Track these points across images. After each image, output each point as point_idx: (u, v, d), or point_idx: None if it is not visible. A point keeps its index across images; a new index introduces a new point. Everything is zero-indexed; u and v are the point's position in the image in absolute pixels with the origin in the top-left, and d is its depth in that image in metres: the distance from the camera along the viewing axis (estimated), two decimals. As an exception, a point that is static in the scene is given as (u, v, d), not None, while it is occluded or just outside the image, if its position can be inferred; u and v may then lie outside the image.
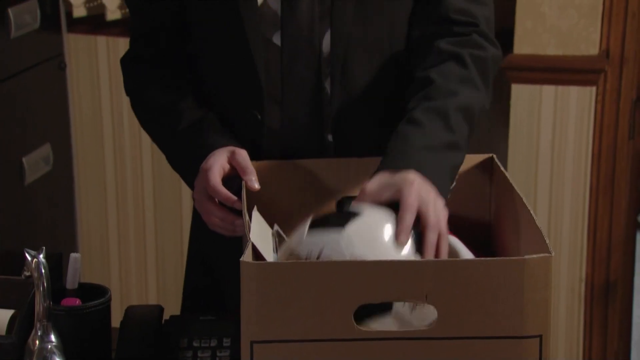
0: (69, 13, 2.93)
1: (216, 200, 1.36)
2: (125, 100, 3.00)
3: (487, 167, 1.44)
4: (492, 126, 2.57)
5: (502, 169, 1.39)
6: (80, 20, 2.96)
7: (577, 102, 2.47)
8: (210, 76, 1.49)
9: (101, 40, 2.94)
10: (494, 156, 1.43)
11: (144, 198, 2.95)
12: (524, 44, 2.47)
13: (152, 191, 2.94)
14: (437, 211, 1.20)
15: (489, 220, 1.43)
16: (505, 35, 2.52)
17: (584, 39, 2.45)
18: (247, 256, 1.08)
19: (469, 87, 1.39)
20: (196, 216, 1.59)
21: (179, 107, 1.47)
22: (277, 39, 1.42)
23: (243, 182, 1.34)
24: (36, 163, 2.74)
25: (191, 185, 1.43)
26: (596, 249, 2.53)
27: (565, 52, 2.46)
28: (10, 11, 2.57)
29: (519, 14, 2.47)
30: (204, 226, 1.41)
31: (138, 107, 1.57)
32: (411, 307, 1.11)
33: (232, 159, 1.37)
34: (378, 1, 1.42)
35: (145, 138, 2.95)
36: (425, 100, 1.35)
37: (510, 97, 2.49)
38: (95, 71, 2.96)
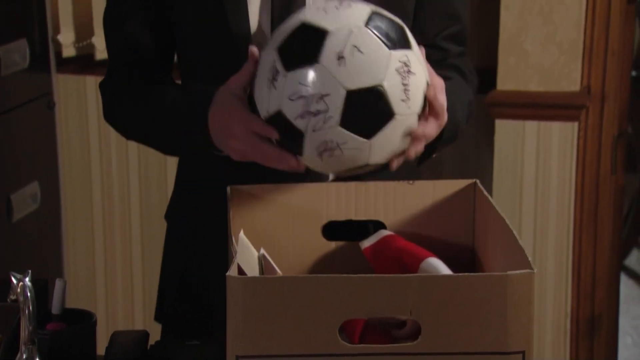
0: (58, 53, 2.96)
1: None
2: (114, 140, 3.05)
3: (470, 192, 1.45)
4: (477, 161, 2.59)
5: (486, 193, 1.40)
6: (70, 60, 2.98)
7: (560, 137, 2.50)
8: None
9: (90, 80, 2.97)
10: (477, 181, 1.44)
11: (131, 230, 2.95)
12: (507, 80, 2.51)
13: (140, 224, 2.94)
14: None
15: (472, 244, 1.44)
16: (488, 71, 2.56)
17: (565, 75, 2.49)
18: (232, 271, 1.08)
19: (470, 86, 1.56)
20: (170, 235, 1.60)
21: (161, 87, 1.47)
22: None
23: (228, 192, 1.35)
24: (24, 200, 2.75)
25: (197, 147, 1.39)
26: (581, 283, 2.55)
27: (548, 89, 2.50)
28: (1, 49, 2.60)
29: (502, 50, 2.51)
30: (180, 246, 1.40)
31: (119, 117, 1.54)
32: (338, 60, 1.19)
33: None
34: None
35: (134, 175, 2.96)
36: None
37: (495, 132, 2.52)
38: (84, 110, 2.98)
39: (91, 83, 2.97)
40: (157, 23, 1.50)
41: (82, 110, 2.98)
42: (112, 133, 2.82)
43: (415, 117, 1.29)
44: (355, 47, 1.24)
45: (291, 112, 1.25)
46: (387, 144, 1.28)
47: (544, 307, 2.56)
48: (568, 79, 2.49)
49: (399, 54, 1.26)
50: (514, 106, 2.50)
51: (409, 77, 1.26)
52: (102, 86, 1.57)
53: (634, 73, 3.95)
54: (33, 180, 2.81)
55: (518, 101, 2.49)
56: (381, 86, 1.24)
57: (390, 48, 1.25)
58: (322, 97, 1.23)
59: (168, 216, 1.64)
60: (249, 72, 1.31)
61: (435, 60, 1.49)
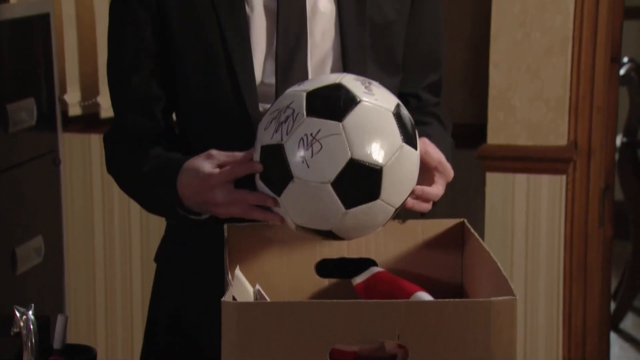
0: (64, 112, 3.01)
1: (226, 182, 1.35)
2: (117, 196, 3.09)
3: (458, 231, 1.48)
4: (469, 212, 2.63)
5: (473, 231, 1.43)
6: (75, 118, 3.04)
7: (549, 190, 2.55)
8: (205, 146, 1.47)
9: (94, 138, 3.03)
10: (465, 220, 1.48)
11: (131, 276, 2.98)
12: (497, 135, 2.56)
13: (140, 267, 2.97)
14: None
15: (460, 281, 1.47)
16: (479, 126, 2.62)
17: (552, 130, 2.55)
18: (228, 297, 1.11)
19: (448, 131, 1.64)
20: (160, 276, 1.63)
21: (148, 150, 1.50)
22: None
23: (225, 230, 1.38)
24: (28, 254, 2.77)
25: (171, 212, 1.43)
26: (571, 333, 2.56)
27: (536, 143, 2.55)
28: (8, 107, 2.62)
29: (491, 106, 2.58)
30: (171, 283, 1.42)
31: (115, 171, 1.57)
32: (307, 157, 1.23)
33: (212, 158, 1.37)
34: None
35: (135, 232, 3.00)
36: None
37: (486, 185, 2.57)
38: (88, 168, 3.03)
39: (95, 141, 3.03)
40: (160, 73, 1.53)
41: (86, 168, 3.03)
42: (115, 189, 2.87)
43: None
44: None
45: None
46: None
47: (536, 356, 2.57)
48: (555, 133, 2.54)
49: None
50: (504, 159, 2.55)
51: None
52: (105, 138, 1.60)
53: (624, 139, 4.01)
54: (37, 234, 2.84)
55: (508, 155, 2.54)
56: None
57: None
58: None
59: (158, 258, 1.66)
60: (227, 158, 1.36)
61: (415, 107, 1.59)
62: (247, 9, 1.48)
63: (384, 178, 1.27)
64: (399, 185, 1.31)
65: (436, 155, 1.43)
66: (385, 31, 1.54)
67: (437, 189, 1.43)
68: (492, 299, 1.11)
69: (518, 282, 2.57)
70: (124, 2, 1.52)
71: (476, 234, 1.41)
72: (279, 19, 1.48)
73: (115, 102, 1.58)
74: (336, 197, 1.25)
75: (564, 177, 2.54)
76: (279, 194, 1.28)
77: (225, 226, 1.39)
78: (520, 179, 2.56)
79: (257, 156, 1.32)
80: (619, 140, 3.84)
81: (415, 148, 1.33)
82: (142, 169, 1.48)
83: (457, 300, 1.14)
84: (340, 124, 1.26)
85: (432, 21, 1.61)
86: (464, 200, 2.56)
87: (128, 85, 1.53)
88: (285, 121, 1.28)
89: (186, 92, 1.53)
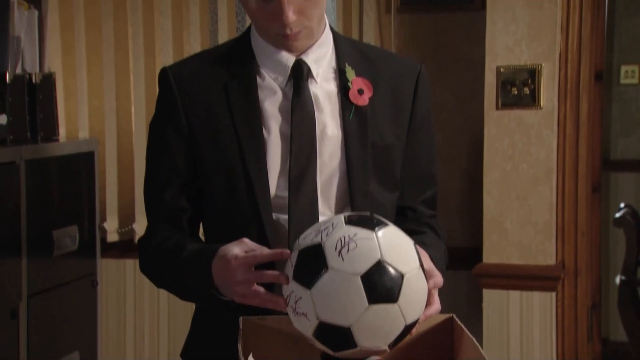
0: (103, 238, 3.13)
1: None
2: (147, 319, 3.17)
3: (448, 326, 1.56)
4: (467, 326, 2.68)
5: (462, 326, 1.51)
6: (113, 245, 3.16)
7: (540, 305, 2.61)
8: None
9: (129, 263, 3.14)
10: (454, 315, 1.56)
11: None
12: (492, 255, 2.65)
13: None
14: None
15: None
16: (475, 248, 2.71)
17: (541, 251, 2.63)
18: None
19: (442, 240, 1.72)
20: None
21: (182, 246, 1.60)
22: (284, 221, 1.60)
23: (240, 322, 1.47)
24: (66, 367, 2.82)
25: (205, 294, 1.52)
26: None
27: (527, 262, 2.63)
28: (54, 234, 2.73)
29: (486, 229, 2.67)
30: None
31: (151, 269, 1.66)
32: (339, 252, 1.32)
33: (242, 245, 1.48)
34: (372, 193, 1.62)
35: (163, 347, 3.07)
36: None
37: (482, 300, 2.63)
38: (122, 289, 3.13)
39: (130, 266, 3.14)
40: (189, 188, 1.65)
41: (120, 289, 3.13)
42: (146, 307, 2.97)
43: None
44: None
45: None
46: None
47: None
48: (544, 254, 2.62)
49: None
50: (498, 277, 2.62)
51: None
52: (140, 242, 1.71)
53: (623, 278, 4.05)
54: (74, 350, 2.88)
55: (502, 273, 2.61)
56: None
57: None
58: None
59: (184, 353, 1.73)
60: (256, 247, 1.48)
61: (412, 218, 1.69)
62: (265, 133, 1.60)
63: (404, 285, 1.37)
64: (414, 297, 1.40)
65: (427, 264, 1.50)
66: (385, 153, 1.65)
67: (435, 307, 1.51)
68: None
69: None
70: (161, 129, 1.65)
71: (465, 329, 1.49)
72: (292, 142, 1.60)
73: (150, 213, 1.70)
74: (362, 290, 1.34)
75: (553, 294, 2.61)
76: (310, 286, 1.36)
77: (241, 319, 1.48)
78: (514, 295, 2.62)
79: (293, 260, 1.41)
80: (617, 279, 3.87)
81: (426, 279, 1.44)
82: (181, 256, 1.58)
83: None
84: (374, 232, 1.39)
85: (427, 145, 1.72)
86: (463, 315, 2.62)
87: (161, 199, 1.66)
88: (324, 230, 1.41)
89: (210, 204, 1.65)
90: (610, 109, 4.85)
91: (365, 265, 1.35)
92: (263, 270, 1.45)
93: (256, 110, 1.60)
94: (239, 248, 1.49)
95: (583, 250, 2.65)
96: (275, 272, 1.43)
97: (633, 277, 4.08)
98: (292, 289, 1.38)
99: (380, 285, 1.35)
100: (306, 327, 1.37)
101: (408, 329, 1.40)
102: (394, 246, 1.39)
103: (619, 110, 4.89)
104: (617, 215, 3.88)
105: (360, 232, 1.38)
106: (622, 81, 4.92)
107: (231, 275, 1.47)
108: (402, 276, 1.37)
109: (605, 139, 4.80)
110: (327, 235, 1.39)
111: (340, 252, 1.36)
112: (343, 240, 1.37)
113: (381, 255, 1.36)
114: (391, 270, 1.36)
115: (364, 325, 1.35)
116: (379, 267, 1.36)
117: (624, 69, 4.91)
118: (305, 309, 1.36)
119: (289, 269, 1.41)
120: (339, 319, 1.35)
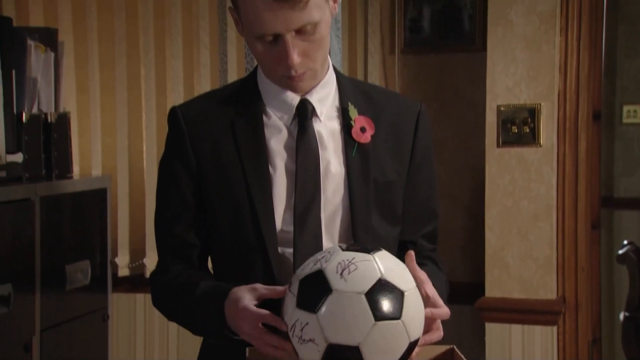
0: (114, 273, 3.16)
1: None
2: (157, 353, 3.19)
3: (448, 357, 1.57)
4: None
5: (462, 357, 1.53)
6: (124, 279, 3.19)
7: (542, 339, 2.62)
8: (229, 278, 1.63)
9: (140, 297, 3.17)
10: (454, 347, 1.58)
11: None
12: (494, 289, 2.66)
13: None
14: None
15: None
16: (478, 283, 2.72)
17: (542, 285, 2.64)
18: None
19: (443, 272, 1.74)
20: None
21: (193, 282, 1.63)
22: (289, 254, 1.62)
23: (247, 352, 1.49)
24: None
25: (217, 332, 1.55)
26: None
27: (528, 296, 2.64)
28: (66, 268, 2.77)
29: (488, 264, 2.69)
30: None
31: (163, 303, 1.69)
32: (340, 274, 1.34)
33: (254, 292, 1.52)
34: (374, 227, 1.65)
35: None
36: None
37: (485, 334, 2.64)
38: (133, 323, 3.16)
39: (140, 300, 3.17)
40: (198, 223, 1.68)
41: (131, 324, 3.16)
42: (156, 341, 2.99)
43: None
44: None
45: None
46: None
47: None
48: (545, 288, 2.64)
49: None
50: (500, 311, 2.63)
51: None
52: (152, 276, 1.74)
53: (626, 314, 4.04)
54: (86, 382, 2.91)
55: (504, 307, 2.62)
56: None
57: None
58: None
59: None
60: (268, 292, 1.51)
61: (414, 252, 1.69)
62: (271, 169, 1.63)
63: (405, 302, 1.41)
64: (415, 314, 1.43)
65: (431, 292, 1.54)
66: (387, 189, 1.67)
67: (438, 334, 1.54)
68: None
69: None
70: (170, 165, 1.69)
71: (464, 358, 1.51)
72: (297, 179, 1.63)
73: (160, 247, 1.73)
74: (368, 308, 1.37)
75: (554, 328, 2.61)
76: (316, 310, 1.39)
77: (248, 349, 1.51)
78: (516, 329, 2.63)
79: (295, 290, 1.44)
80: (621, 315, 3.87)
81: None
82: (194, 294, 1.61)
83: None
84: (371, 255, 1.43)
85: (427, 182, 1.75)
86: (467, 348, 2.64)
87: (171, 233, 1.69)
88: (322, 258, 1.45)
89: (218, 238, 1.68)
90: (612, 148, 4.88)
91: (368, 284, 1.38)
92: (269, 332, 1.48)
93: (262, 147, 1.64)
94: (250, 296, 1.52)
95: (583, 285, 2.66)
96: (281, 340, 1.46)
97: (636, 313, 4.07)
98: (297, 317, 1.40)
99: (384, 302, 1.38)
100: (314, 353, 1.38)
101: (411, 347, 1.43)
102: (392, 267, 1.42)
103: (621, 150, 4.92)
104: (620, 252, 3.90)
105: (358, 256, 1.42)
106: (624, 121, 4.96)
107: (239, 324, 1.51)
108: (402, 293, 1.41)
109: (609, 177, 4.83)
110: (326, 261, 1.42)
111: (341, 274, 1.39)
112: (343, 263, 1.41)
113: (381, 274, 1.40)
114: (392, 288, 1.40)
115: (372, 343, 1.37)
116: (381, 285, 1.39)
117: (625, 109, 4.95)
118: (312, 334, 1.38)
119: (291, 299, 1.43)
120: (347, 339, 1.37)
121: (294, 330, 1.42)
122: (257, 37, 1.56)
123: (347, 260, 1.41)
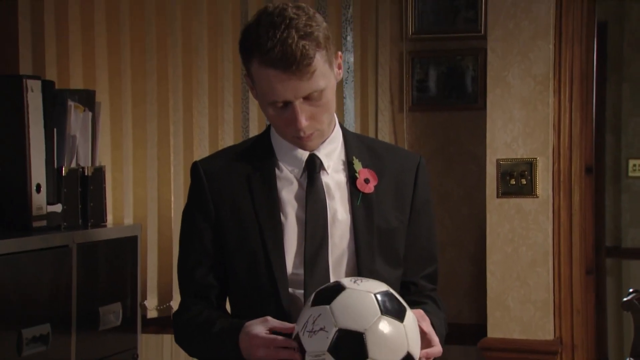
0: (144, 315, 3.21)
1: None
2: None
3: None
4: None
5: None
6: (152, 320, 3.25)
7: (541, 379, 2.66)
8: (244, 317, 1.71)
9: (167, 338, 3.23)
10: None
11: None
12: (495, 330, 2.70)
13: None
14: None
15: None
16: (481, 325, 2.77)
17: (540, 327, 2.68)
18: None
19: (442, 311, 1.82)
20: None
21: (212, 320, 1.72)
22: (300, 295, 1.71)
23: None
24: None
25: None
26: None
27: (528, 337, 2.68)
28: (100, 310, 2.83)
29: (490, 307, 2.73)
30: None
31: (185, 341, 1.77)
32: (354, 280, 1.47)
33: (266, 322, 1.61)
34: (378, 270, 1.73)
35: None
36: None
37: (487, 376, 2.69)
38: (162, 364, 3.23)
39: (168, 341, 3.22)
40: (216, 268, 1.78)
41: (159, 364, 3.22)
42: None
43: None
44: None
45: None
46: None
47: None
48: (543, 330, 2.67)
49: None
50: (502, 351, 2.66)
51: None
52: (174, 316, 1.83)
53: (631, 359, 4.03)
54: (117, 419, 2.94)
55: (505, 347, 2.65)
56: None
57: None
58: None
59: None
60: (278, 324, 1.61)
61: (414, 292, 1.80)
62: (282, 218, 1.73)
63: (406, 315, 1.53)
64: (414, 331, 1.54)
65: (428, 329, 1.63)
66: (390, 235, 1.76)
67: (438, 349, 1.63)
68: None
69: None
70: (191, 216, 1.79)
71: None
72: (307, 226, 1.73)
73: (182, 289, 1.83)
74: (375, 303, 1.51)
75: (553, 367, 2.67)
76: (330, 302, 1.51)
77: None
78: (518, 368, 2.68)
79: (310, 300, 1.57)
80: (627, 362, 3.86)
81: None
82: (212, 330, 1.70)
83: None
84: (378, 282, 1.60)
85: (427, 227, 1.83)
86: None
87: (192, 277, 1.78)
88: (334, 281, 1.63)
89: (234, 280, 1.77)
90: (619, 200, 4.93)
91: (377, 290, 1.53)
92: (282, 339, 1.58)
93: (275, 198, 1.73)
94: (262, 327, 1.62)
95: (579, 327, 2.70)
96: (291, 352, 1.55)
97: (640, 358, 4.07)
98: (310, 313, 1.52)
99: (390, 304, 1.52)
100: (322, 342, 1.48)
101: (408, 358, 1.51)
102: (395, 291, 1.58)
103: (628, 202, 4.97)
104: (625, 299, 3.92)
105: (368, 280, 1.58)
106: (630, 174, 5.02)
107: (253, 352, 1.60)
108: (405, 309, 1.54)
109: (616, 228, 4.87)
110: (339, 279, 1.59)
111: (355, 281, 1.54)
112: (355, 279, 1.56)
113: (388, 288, 1.55)
114: (398, 299, 1.55)
115: (375, 334, 1.48)
116: (389, 293, 1.54)
117: (631, 163, 5.01)
118: (324, 322, 1.49)
119: (306, 306, 1.56)
120: (355, 324, 1.48)
121: (305, 326, 1.52)
122: (269, 103, 1.67)
123: (360, 279, 1.58)
